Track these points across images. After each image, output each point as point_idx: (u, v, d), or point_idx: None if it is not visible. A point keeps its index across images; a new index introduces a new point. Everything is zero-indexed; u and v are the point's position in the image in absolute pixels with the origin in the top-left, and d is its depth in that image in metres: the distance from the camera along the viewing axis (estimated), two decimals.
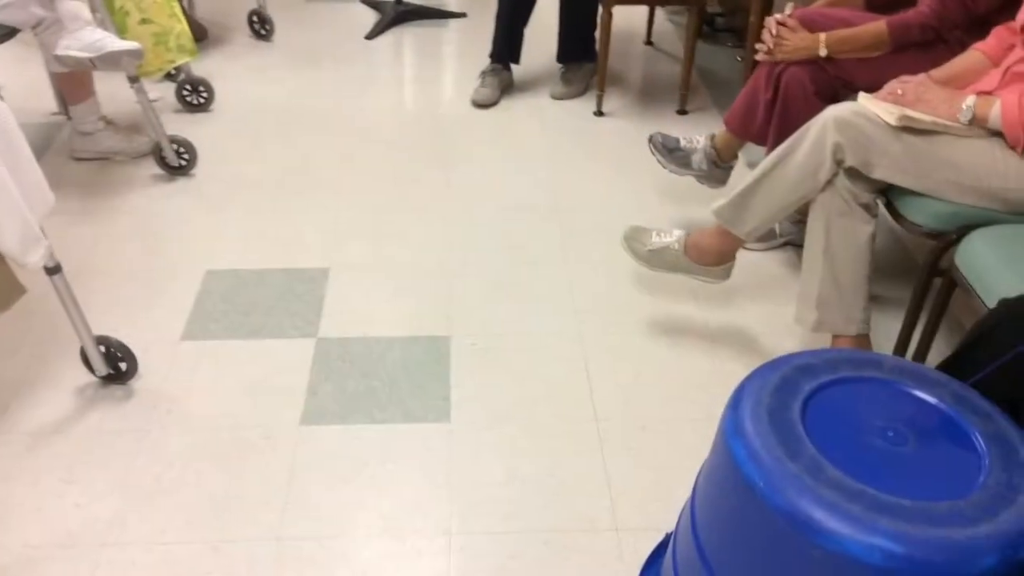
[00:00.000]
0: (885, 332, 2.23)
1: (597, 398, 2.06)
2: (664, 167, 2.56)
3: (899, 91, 1.90)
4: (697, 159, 2.53)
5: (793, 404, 1.31)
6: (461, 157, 3.04)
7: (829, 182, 1.92)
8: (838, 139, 1.86)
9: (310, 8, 4.18)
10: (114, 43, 2.53)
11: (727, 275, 2.18)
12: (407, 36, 3.99)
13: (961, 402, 1.34)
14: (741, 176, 2.12)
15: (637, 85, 3.56)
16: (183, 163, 2.83)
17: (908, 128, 1.81)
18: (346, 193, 2.80)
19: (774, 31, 2.26)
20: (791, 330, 2.26)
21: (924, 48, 2.19)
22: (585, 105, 3.38)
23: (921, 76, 1.93)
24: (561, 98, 3.43)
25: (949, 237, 1.84)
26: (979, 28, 2.12)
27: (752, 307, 2.36)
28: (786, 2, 2.35)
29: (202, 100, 3.22)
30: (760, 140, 2.45)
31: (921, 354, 1.96)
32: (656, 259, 2.16)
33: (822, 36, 2.21)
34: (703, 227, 2.16)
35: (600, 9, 3.15)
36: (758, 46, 2.33)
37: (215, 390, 2.05)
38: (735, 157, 2.55)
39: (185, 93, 3.19)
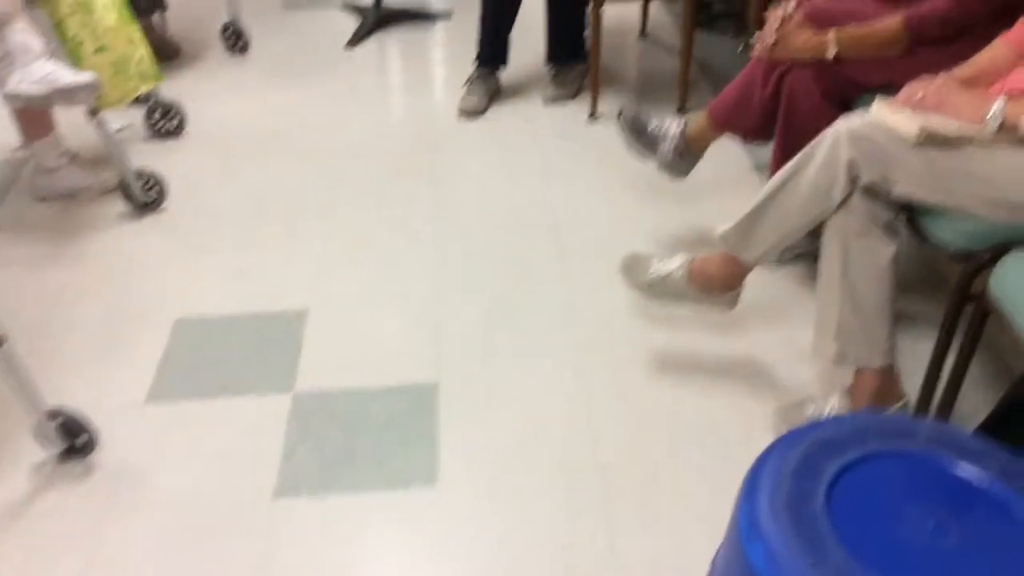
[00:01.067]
0: (912, 357, 2.03)
1: (599, 445, 1.88)
2: (628, 148, 2.37)
3: (919, 95, 1.70)
4: (664, 147, 2.33)
5: (816, 491, 1.13)
6: (451, 173, 2.86)
7: (844, 201, 1.72)
8: (852, 154, 1.66)
9: (287, 17, 3.99)
10: (67, 76, 2.35)
11: (734, 303, 1.99)
12: (390, 41, 3.80)
13: (1013, 478, 1.15)
14: (749, 196, 1.92)
15: (633, 83, 3.35)
16: (152, 198, 2.66)
17: (930, 141, 1.61)
18: (328, 221, 2.63)
19: (776, 26, 2.06)
20: (807, 357, 2.07)
21: (944, 43, 1.98)
22: (578, 108, 3.19)
23: (942, 77, 1.72)
24: (553, 101, 3.23)
25: (982, 258, 1.64)
26: (1005, 17, 1.91)
27: (764, 332, 2.17)
28: None
29: (173, 126, 3.04)
30: (747, 136, 2.26)
31: (954, 387, 1.77)
32: (658, 289, 1.98)
33: (831, 35, 2.01)
34: (707, 253, 1.97)
35: (589, 6, 2.95)
36: (756, 37, 2.12)
37: (182, 461, 1.89)
38: (703, 151, 2.35)
39: (155, 119, 3.02)
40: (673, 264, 1.98)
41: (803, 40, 2.04)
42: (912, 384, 1.90)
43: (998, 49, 1.79)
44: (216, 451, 1.90)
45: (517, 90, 3.32)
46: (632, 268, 2.00)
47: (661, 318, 2.21)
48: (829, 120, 2.07)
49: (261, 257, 2.48)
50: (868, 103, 2.04)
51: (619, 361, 2.10)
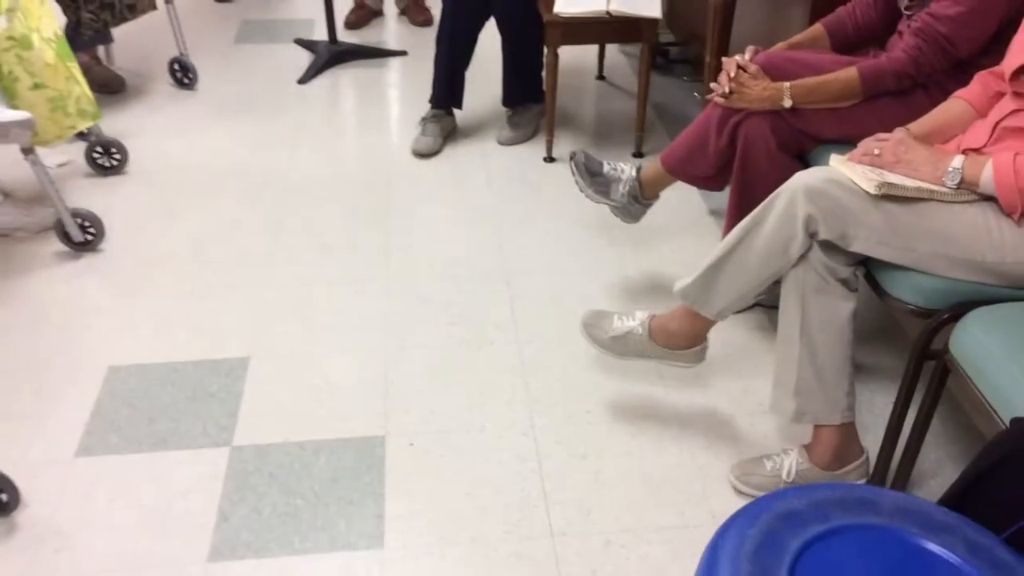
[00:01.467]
0: (869, 410, 2.01)
1: (553, 506, 1.81)
2: (581, 190, 2.32)
3: (876, 151, 1.68)
4: (618, 190, 2.29)
5: (778, 570, 1.07)
6: (402, 216, 2.79)
7: (803, 256, 1.69)
8: (810, 210, 1.63)
9: (238, 52, 3.91)
10: (1, 114, 2.26)
11: (701, 358, 1.94)
12: (343, 79, 3.74)
13: (976, 553, 1.11)
14: (705, 241, 1.88)
15: (590, 126, 3.33)
16: (88, 238, 2.55)
17: (889, 196, 1.59)
18: (273, 266, 2.54)
19: (732, 75, 2.04)
20: (765, 409, 2.04)
21: (899, 96, 1.98)
22: (534, 150, 3.15)
23: (900, 133, 1.71)
24: (508, 143, 3.19)
25: (941, 316, 1.62)
26: (960, 72, 1.92)
27: (722, 383, 2.13)
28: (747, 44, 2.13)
29: (115, 163, 2.94)
30: (701, 184, 2.23)
31: (915, 445, 1.73)
32: (620, 346, 1.93)
33: (786, 86, 1.99)
34: (668, 309, 1.92)
35: (545, 49, 2.92)
36: (713, 86, 2.10)
37: (113, 520, 1.78)
38: (657, 196, 2.32)
39: (96, 155, 2.92)
40: (634, 321, 1.93)
41: (759, 90, 2.02)
42: (870, 438, 1.87)
43: (955, 105, 1.78)
44: (149, 510, 1.80)
45: (472, 131, 3.27)
46: (593, 326, 1.95)
47: (615, 371, 2.16)
48: (784, 170, 2.07)
49: (201, 302, 2.39)
50: (823, 154, 2.05)
51: (572, 416, 2.04)
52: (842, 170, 1.65)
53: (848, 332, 1.73)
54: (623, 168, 2.29)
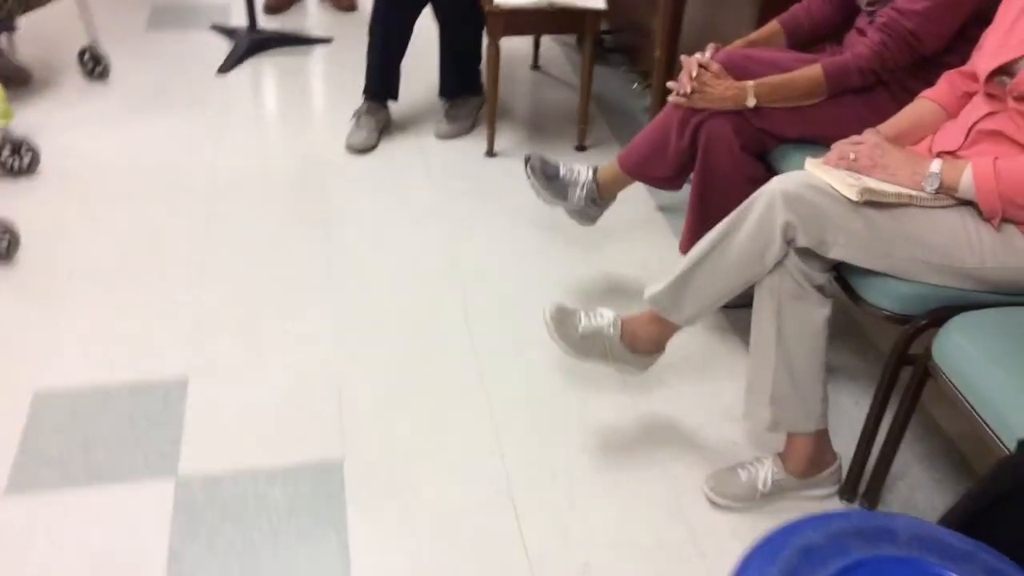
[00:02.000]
0: (835, 413, 1.98)
1: (527, 532, 1.73)
2: (538, 195, 2.25)
3: (851, 155, 1.64)
4: (575, 193, 2.22)
5: None
6: (342, 216, 2.66)
7: (779, 263, 1.65)
8: (788, 217, 1.59)
9: (151, 40, 3.69)
10: None
11: (650, 365, 1.89)
12: (266, 68, 3.56)
13: None
14: (655, 238, 1.82)
15: (529, 118, 3.24)
16: (1, 250, 2.35)
17: (869, 202, 1.55)
18: (205, 275, 2.38)
19: (694, 74, 1.98)
20: (733, 414, 2.00)
21: (861, 94, 1.95)
22: (474, 144, 3.05)
23: (872, 136, 1.67)
24: (447, 137, 3.09)
25: (919, 323, 1.60)
26: (923, 70, 1.90)
27: (687, 387, 2.08)
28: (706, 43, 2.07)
29: (25, 164, 2.72)
30: (660, 185, 2.17)
31: (890, 453, 1.72)
32: (587, 346, 1.85)
33: (750, 85, 1.94)
34: (637, 313, 1.86)
35: (486, 40, 2.82)
36: (671, 85, 2.04)
37: (49, 564, 1.63)
38: (614, 197, 2.27)
39: (3, 157, 2.69)
40: (604, 320, 1.85)
41: (722, 89, 1.96)
42: (837, 442, 1.84)
43: (924, 106, 1.76)
44: (90, 552, 1.65)
45: (408, 124, 3.15)
46: (561, 323, 1.86)
47: (577, 378, 2.09)
48: (747, 170, 2.04)
49: (131, 317, 2.22)
50: (786, 154, 2.02)
51: (539, 431, 1.96)
52: (820, 175, 1.61)
53: (823, 339, 1.70)
54: (580, 171, 2.21)
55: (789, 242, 1.62)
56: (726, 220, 1.68)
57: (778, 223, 1.60)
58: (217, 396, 2.00)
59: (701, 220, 2.09)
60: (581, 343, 1.85)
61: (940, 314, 1.58)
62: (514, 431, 1.95)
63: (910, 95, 1.93)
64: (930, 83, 1.89)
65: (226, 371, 2.07)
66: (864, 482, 1.80)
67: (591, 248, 2.53)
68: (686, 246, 2.17)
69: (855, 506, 1.80)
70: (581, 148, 3.03)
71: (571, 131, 3.09)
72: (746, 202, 1.65)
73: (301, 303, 2.30)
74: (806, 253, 1.63)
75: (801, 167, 1.95)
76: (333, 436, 1.91)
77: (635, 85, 3.23)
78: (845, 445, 1.83)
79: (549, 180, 2.19)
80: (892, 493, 1.84)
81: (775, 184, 1.62)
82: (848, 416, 1.99)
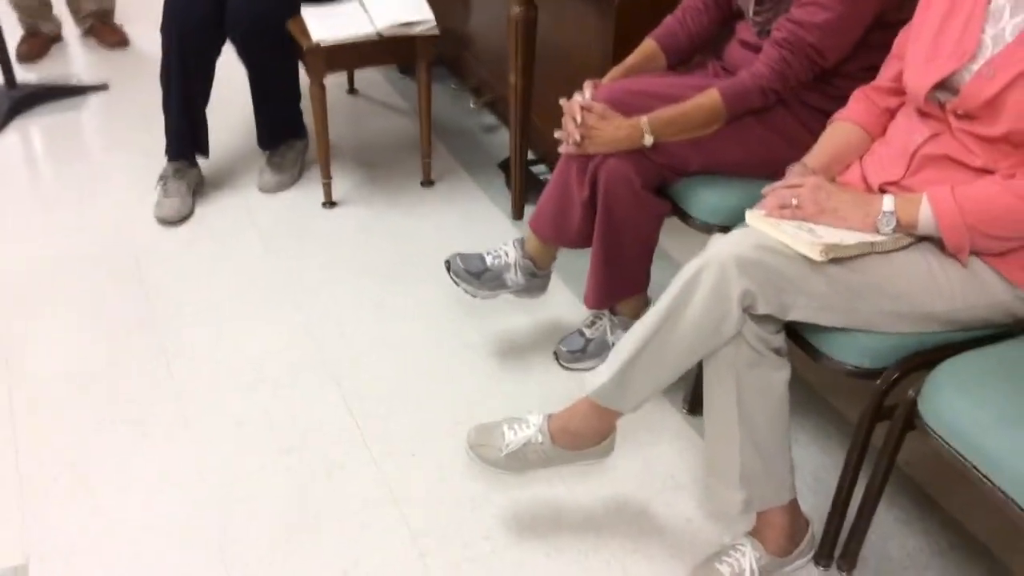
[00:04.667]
0: (804, 477, 1.82)
1: None
2: (474, 296, 1.99)
3: (793, 201, 1.46)
4: (512, 276, 1.99)
5: None
6: (169, 307, 2.24)
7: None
8: (745, 285, 1.38)
9: None
10: None
11: (610, 449, 1.66)
12: (36, 130, 3.02)
13: None
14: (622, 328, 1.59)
15: (362, 155, 2.90)
16: None
17: (835, 257, 1.38)
18: (13, 415, 1.92)
19: (579, 119, 1.75)
20: (679, 484, 1.81)
21: (760, 115, 1.78)
22: (307, 194, 2.69)
23: (811, 177, 1.50)
24: (273, 190, 2.71)
25: (892, 376, 1.45)
26: (820, 83, 1.76)
27: (620, 462, 1.86)
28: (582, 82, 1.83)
29: None
30: (580, 245, 1.94)
31: (868, 514, 1.57)
32: (519, 461, 1.60)
33: (644, 121, 1.73)
34: (568, 407, 1.61)
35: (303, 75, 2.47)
36: (558, 135, 1.81)
37: None
38: (554, 259, 2.04)
39: None
40: (530, 429, 1.61)
41: (613, 130, 1.74)
42: (803, 502, 1.68)
43: (845, 130, 1.60)
44: None
45: (225, 180, 2.74)
46: (482, 446, 1.60)
47: (504, 477, 1.82)
48: (651, 209, 1.85)
49: None
50: (688, 186, 1.84)
51: (469, 544, 1.68)
52: (770, 232, 1.42)
53: (786, 403, 1.52)
54: (506, 251, 1.98)
55: (746, 310, 1.42)
56: (669, 295, 1.46)
57: (734, 293, 1.39)
58: None
59: (607, 267, 1.89)
60: (510, 462, 1.61)
61: (911, 363, 1.45)
62: (440, 548, 1.66)
63: (809, 110, 1.80)
64: (828, 95, 1.76)
65: (71, 552, 1.65)
66: (840, 545, 1.65)
67: (469, 304, 2.25)
68: (591, 297, 1.95)
69: (832, 571, 1.66)
70: (428, 183, 2.74)
71: (413, 164, 2.79)
72: (688, 272, 1.44)
73: (143, 433, 1.89)
74: (761, 317, 1.44)
75: (706, 198, 1.80)
76: None
77: (472, 104, 2.96)
78: (808, 505, 1.68)
79: (478, 276, 1.94)
80: (865, 547, 1.70)
81: (724, 249, 1.41)
82: (802, 471, 1.83)
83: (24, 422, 1.92)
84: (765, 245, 1.40)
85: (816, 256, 1.36)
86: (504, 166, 2.72)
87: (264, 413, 1.96)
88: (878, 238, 1.41)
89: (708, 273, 1.41)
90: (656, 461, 1.86)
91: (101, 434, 1.90)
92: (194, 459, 1.84)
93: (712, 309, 1.42)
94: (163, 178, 2.60)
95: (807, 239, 1.38)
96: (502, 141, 2.94)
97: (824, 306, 1.41)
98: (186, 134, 2.59)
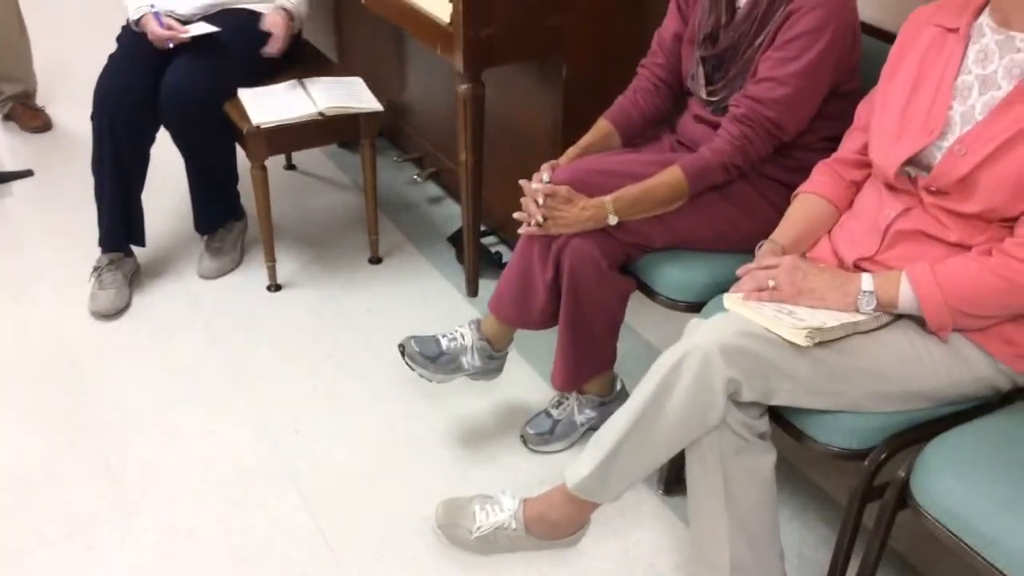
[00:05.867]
0: (788, 555, 1.76)
1: None
2: (430, 380, 1.91)
3: (770, 283, 1.43)
4: (468, 359, 1.92)
5: None
6: (111, 411, 2.12)
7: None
8: (731, 373, 1.35)
9: None
10: None
11: (580, 539, 1.60)
12: None
13: None
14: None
15: (305, 233, 2.81)
16: None
17: (821, 341, 1.35)
18: None
19: (540, 201, 1.71)
20: (659, 573, 1.74)
21: (721, 189, 1.77)
22: (249, 277, 2.59)
23: (784, 256, 1.48)
24: (214, 275, 2.60)
25: (879, 457, 1.42)
26: (778, 155, 1.76)
27: (596, 546, 1.77)
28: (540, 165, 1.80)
29: None
30: (543, 326, 1.89)
31: None
32: (488, 545, 1.55)
33: (607, 201, 1.70)
34: (544, 494, 1.55)
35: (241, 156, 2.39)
36: (518, 216, 1.76)
37: None
38: (511, 341, 1.98)
39: None
40: (504, 513, 1.56)
41: (578, 211, 1.70)
42: None
43: (812, 204, 1.59)
44: None
45: (162, 267, 2.62)
46: (453, 526, 1.54)
47: (476, 567, 1.73)
48: (617, 288, 1.83)
49: None
50: (651, 263, 1.81)
51: None
52: (752, 317, 1.39)
53: (773, 488, 1.49)
54: (462, 334, 1.91)
55: (731, 397, 1.38)
56: (650, 384, 1.42)
57: (719, 381, 1.36)
58: None
59: (575, 348, 1.84)
60: (479, 546, 1.56)
61: (898, 442, 1.42)
62: None
63: (768, 182, 1.79)
64: (786, 167, 1.77)
65: None
66: None
67: (429, 390, 2.16)
68: (559, 378, 1.90)
69: None
70: (376, 260, 2.67)
71: (359, 241, 2.71)
72: (670, 360, 1.40)
73: (88, 548, 1.77)
74: (745, 403, 1.41)
75: (671, 275, 1.78)
76: None
77: (415, 176, 2.91)
78: None
79: (434, 360, 1.87)
80: None
81: (706, 336, 1.37)
82: (788, 552, 1.78)
83: None
84: (748, 331, 1.37)
85: (801, 341, 1.33)
86: (454, 239, 2.67)
87: (219, 520, 1.85)
88: (859, 318, 1.39)
89: (691, 361, 1.37)
90: (635, 547, 1.79)
91: (41, 552, 1.76)
92: (145, 575, 1.72)
93: (696, 398, 1.38)
94: (97, 269, 2.48)
95: (789, 323, 1.35)
96: (449, 212, 2.90)
97: (809, 390, 1.38)
98: (121, 224, 2.48)
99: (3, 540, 1.79)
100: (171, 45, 2.34)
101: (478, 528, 1.55)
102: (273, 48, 2.43)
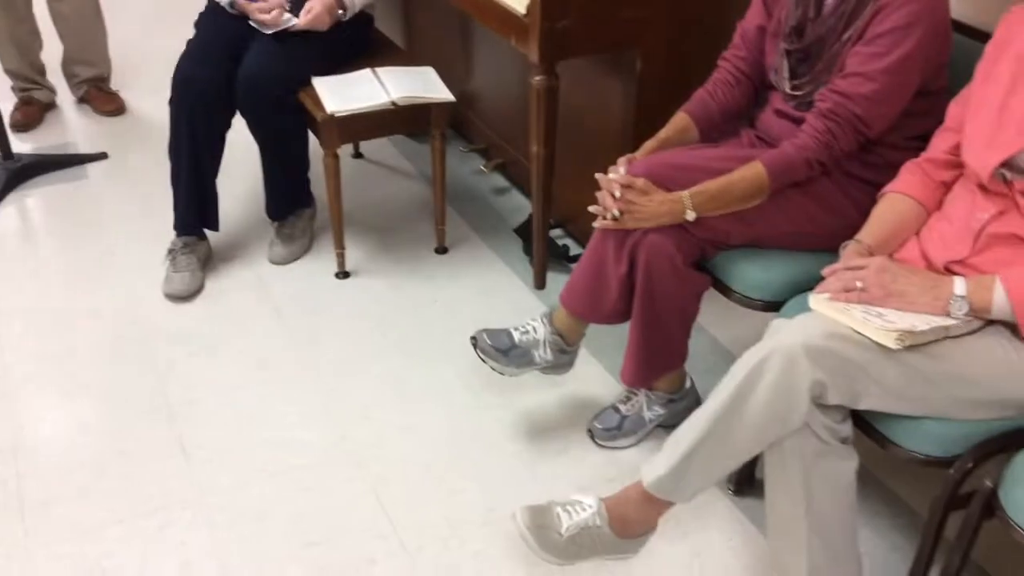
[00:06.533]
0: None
1: None
2: (502, 373, 1.91)
3: (858, 284, 1.40)
4: (540, 353, 1.91)
5: None
6: (182, 391, 2.15)
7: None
8: (817, 376, 1.32)
9: None
10: None
11: (643, 546, 1.59)
12: (34, 203, 2.93)
13: None
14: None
15: (372, 222, 2.82)
16: None
17: (912, 344, 1.32)
18: (28, 509, 1.82)
19: (618, 194, 1.69)
20: (727, 569, 1.72)
21: (803, 186, 1.73)
22: (319, 265, 2.61)
23: (874, 257, 1.44)
24: (285, 261, 2.62)
25: (966, 465, 1.38)
26: (863, 152, 1.71)
27: (663, 548, 1.76)
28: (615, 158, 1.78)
29: None
30: (614, 321, 1.87)
31: None
32: (576, 547, 1.55)
33: (686, 196, 1.67)
34: (621, 492, 1.54)
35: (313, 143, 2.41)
36: (593, 209, 1.75)
37: None
38: (583, 335, 1.97)
39: None
40: (587, 512, 1.54)
41: (655, 205, 1.68)
42: None
43: (901, 204, 1.55)
44: None
45: (234, 252, 2.66)
46: (540, 528, 1.53)
47: (538, 562, 1.72)
48: (693, 285, 1.80)
49: None
50: (729, 259, 1.78)
51: None
52: (839, 318, 1.36)
53: (854, 494, 1.46)
54: (535, 327, 1.91)
55: (815, 400, 1.35)
56: (731, 383, 1.39)
57: (804, 383, 1.33)
58: None
59: (647, 344, 1.83)
60: (568, 548, 1.53)
61: (985, 450, 1.38)
62: None
63: (851, 179, 1.75)
64: (870, 164, 1.72)
65: None
66: None
67: (496, 382, 2.14)
68: (629, 375, 1.88)
69: None
70: (442, 250, 2.67)
71: (425, 231, 2.72)
72: (752, 360, 1.38)
73: (160, 527, 1.80)
74: (829, 406, 1.38)
75: (748, 273, 1.74)
76: None
77: (482, 167, 2.91)
78: None
79: (506, 354, 1.87)
80: None
81: (791, 337, 1.35)
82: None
83: (35, 516, 1.81)
84: (835, 332, 1.34)
85: (892, 344, 1.30)
86: (520, 231, 2.66)
87: (288, 504, 1.87)
88: (950, 322, 1.35)
89: (774, 362, 1.35)
90: (707, 551, 1.77)
91: (116, 528, 1.80)
92: (215, 555, 1.75)
93: (779, 399, 1.35)
94: (172, 252, 2.52)
95: (879, 324, 1.32)
96: (514, 204, 2.89)
97: (897, 394, 1.35)
98: (195, 208, 2.52)
99: (78, 517, 1.83)
100: (270, 32, 2.38)
101: (566, 529, 1.54)
102: (301, 21, 2.38)
